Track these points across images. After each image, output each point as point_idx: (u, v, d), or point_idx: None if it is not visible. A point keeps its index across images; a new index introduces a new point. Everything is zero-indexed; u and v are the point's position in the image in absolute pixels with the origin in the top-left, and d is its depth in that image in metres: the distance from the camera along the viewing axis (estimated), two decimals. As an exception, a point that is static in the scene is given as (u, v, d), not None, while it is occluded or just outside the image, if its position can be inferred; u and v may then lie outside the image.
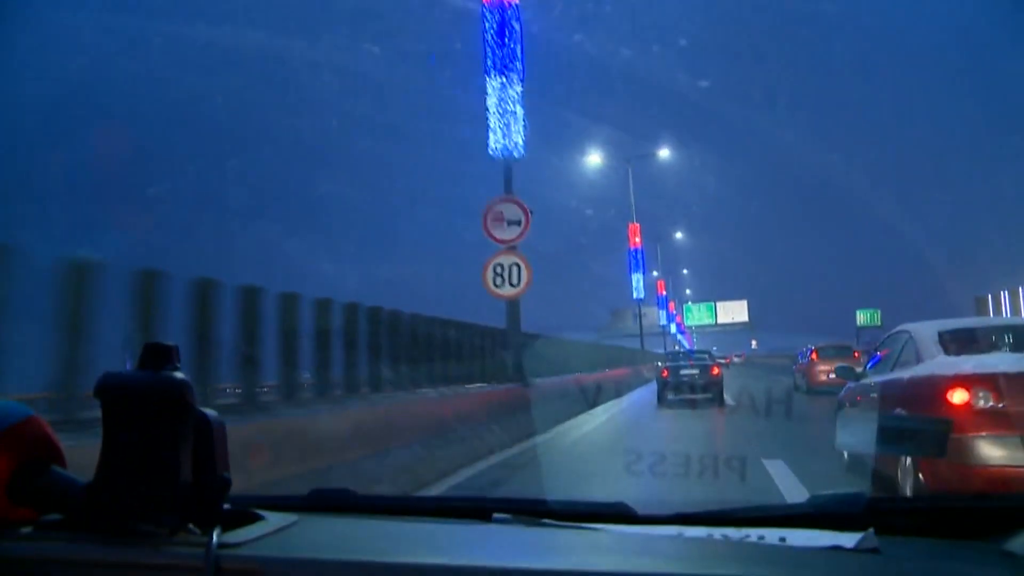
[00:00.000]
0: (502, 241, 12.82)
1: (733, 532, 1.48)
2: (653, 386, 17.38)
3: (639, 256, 46.11)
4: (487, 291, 12.76)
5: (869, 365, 6.06)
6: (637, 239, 45.90)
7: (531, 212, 13.43)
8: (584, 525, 1.57)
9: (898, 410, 4.38)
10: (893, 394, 4.69)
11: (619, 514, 1.67)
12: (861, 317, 64.97)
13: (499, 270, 12.51)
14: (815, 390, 17.74)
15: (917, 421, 1.73)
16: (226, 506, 1.34)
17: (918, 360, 4.73)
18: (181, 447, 1.21)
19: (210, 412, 1.25)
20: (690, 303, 74.08)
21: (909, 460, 3.91)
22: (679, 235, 62.73)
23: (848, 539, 1.36)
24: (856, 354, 18.95)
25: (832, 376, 17.57)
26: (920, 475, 3.65)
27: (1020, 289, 25.19)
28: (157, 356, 1.23)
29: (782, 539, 1.44)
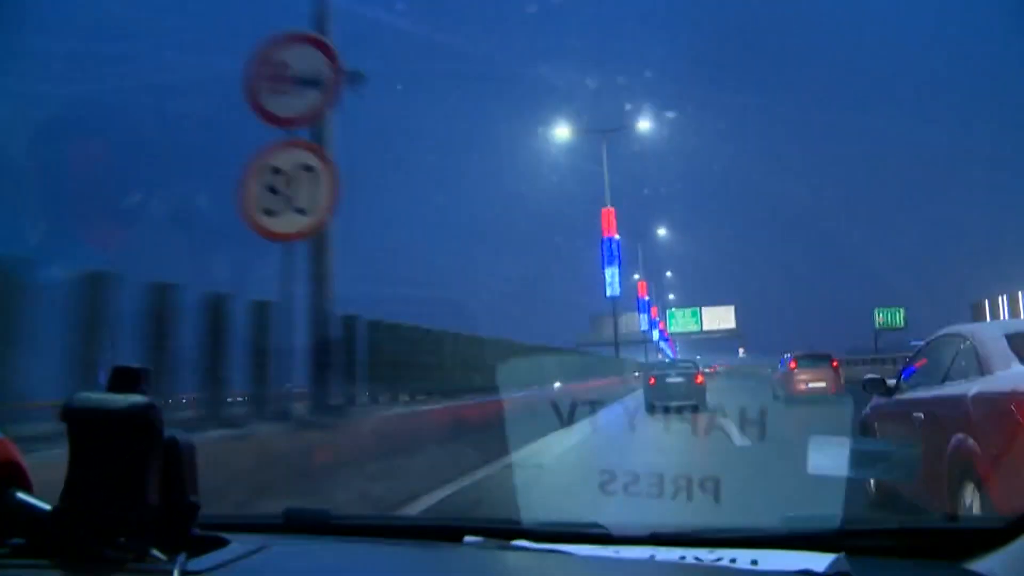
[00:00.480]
0: (284, 122, 6.95)
1: (706, 554, 1.50)
2: (627, 405, 17.09)
3: (614, 247, 37.97)
4: (251, 225, 6.83)
5: (904, 376, 5.18)
6: (612, 227, 37.76)
7: (355, 74, 7.45)
8: (557, 547, 1.58)
9: (959, 435, 3.58)
10: (950, 415, 3.87)
11: (593, 534, 1.69)
12: (880, 318, 52.63)
13: (277, 180, 6.60)
14: (794, 399, 17.79)
15: (887, 445, 1.74)
16: (195, 530, 1.33)
17: (983, 371, 3.85)
18: (148, 471, 1.20)
19: (180, 434, 1.25)
20: (673, 309, 71.88)
21: (972, 484, 3.25)
22: (662, 232, 56.35)
23: (819, 562, 1.38)
24: (835, 363, 19.23)
25: (810, 385, 18.35)
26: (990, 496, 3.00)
27: (1021, 294, 24.34)
28: (126, 379, 1.23)
29: (754, 562, 1.46)
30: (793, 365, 19.12)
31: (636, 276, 59.55)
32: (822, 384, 18.11)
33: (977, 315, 24.65)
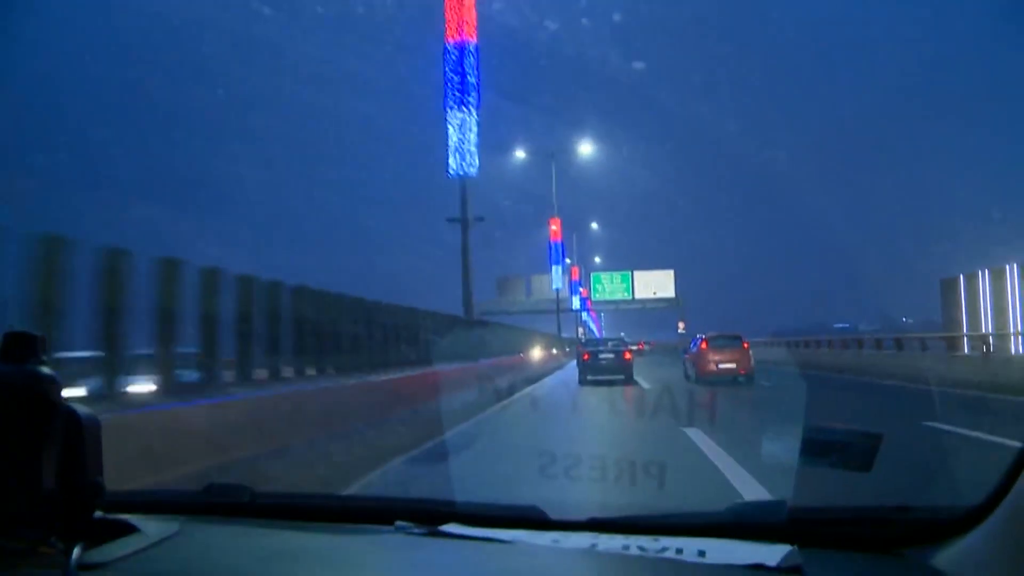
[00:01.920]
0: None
1: (650, 542, 1.48)
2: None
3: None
4: None
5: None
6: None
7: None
8: (492, 534, 1.54)
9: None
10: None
11: (531, 518, 1.65)
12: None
13: None
14: (704, 380, 18.27)
15: (845, 435, 1.78)
16: (98, 514, 1.23)
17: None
18: (45, 450, 1.12)
19: (82, 409, 1.15)
20: (600, 274, 61.40)
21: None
22: (586, 150, 44.19)
23: (770, 554, 1.38)
24: (745, 344, 19.51)
25: (721, 366, 19.00)
26: None
27: (1010, 268, 21.80)
28: (21, 347, 1.13)
29: (701, 552, 1.45)
30: (704, 345, 19.49)
31: (553, 228, 54.46)
32: (732, 365, 18.62)
33: (948, 292, 24.61)
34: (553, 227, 50.06)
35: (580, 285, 59.39)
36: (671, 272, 61.96)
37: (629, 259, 70.49)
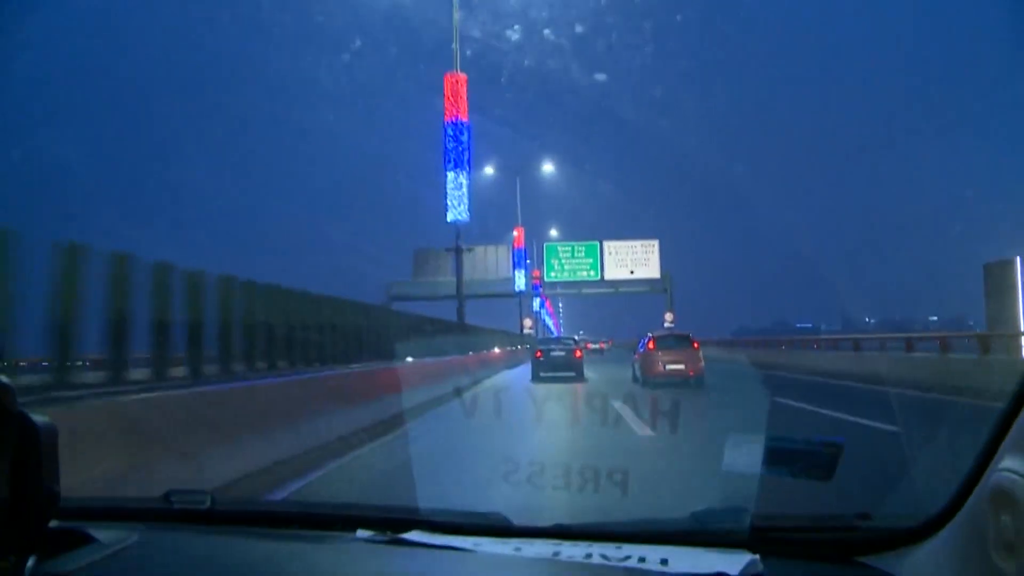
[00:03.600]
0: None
1: (613, 550, 1.53)
2: None
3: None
4: None
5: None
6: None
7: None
8: (455, 541, 1.57)
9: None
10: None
11: (494, 525, 1.69)
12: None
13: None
14: (652, 382, 17.88)
15: (807, 444, 1.85)
16: (54, 523, 1.22)
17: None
18: None
19: (38, 417, 1.14)
20: (556, 246, 48.61)
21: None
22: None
23: (732, 563, 1.44)
24: (695, 345, 18.91)
25: (669, 367, 18.51)
26: None
27: None
28: None
29: (664, 561, 1.50)
30: (652, 346, 18.94)
31: (516, 235, 49.74)
32: (681, 367, 18.19)
33: (995, 279, 20.05)
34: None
35: (525, 257, 50.39)
36: (655, 243, 48.15)
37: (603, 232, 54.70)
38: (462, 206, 30.82)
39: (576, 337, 33.42)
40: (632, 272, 47.59)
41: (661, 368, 18.27)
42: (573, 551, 1.46)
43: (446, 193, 30.21)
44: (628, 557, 1.42)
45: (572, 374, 21.51)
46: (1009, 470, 1.13)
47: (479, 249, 49.68)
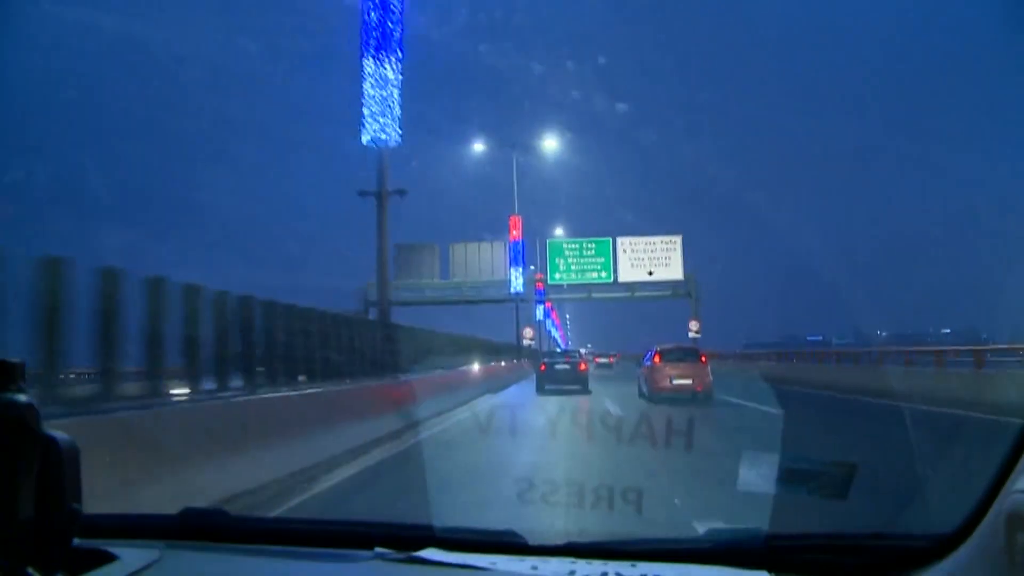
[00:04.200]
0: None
1: (628, 568, 1.56)
2: None
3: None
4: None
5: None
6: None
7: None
8: (470, 559, 1.60)
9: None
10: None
11: (509, 543, 1.72)
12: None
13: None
14: (658, 397, 17.87)
15: (822, 464, 1.88)
16: (76, 542, 1.25)
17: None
18: (21, 478, 1.16)
19: (60, 435, 1.18)
20: (562, 243, 44.61)
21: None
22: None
23: None
24: (703, 359, 19.09)
25: (675, 382, 18.28)
26: None
27: None
28: (2, 374, 1.15)
29: None
30: (658, 359, 18.91)
31: (513, 231, 45.20)
32: (688, 381, 18.05)
33: None
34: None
35: (523, 253, 44.73)
36: (676, 240, 43.77)
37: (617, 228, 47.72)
38: (387, 118, 18.52)
39: (583, 350, 34.34)
40: (651, 273, 43.00)
41: (668, 383, 18.12)
42: (589, 569, 1.50)
43: (361, 95, 18.78)
44: (643, 575, 1.43)
45: (577, 387, 22.64)
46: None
47: (471, 246, 45.36)
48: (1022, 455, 1.30)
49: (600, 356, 57.82)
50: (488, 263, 44.17)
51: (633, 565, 1.60)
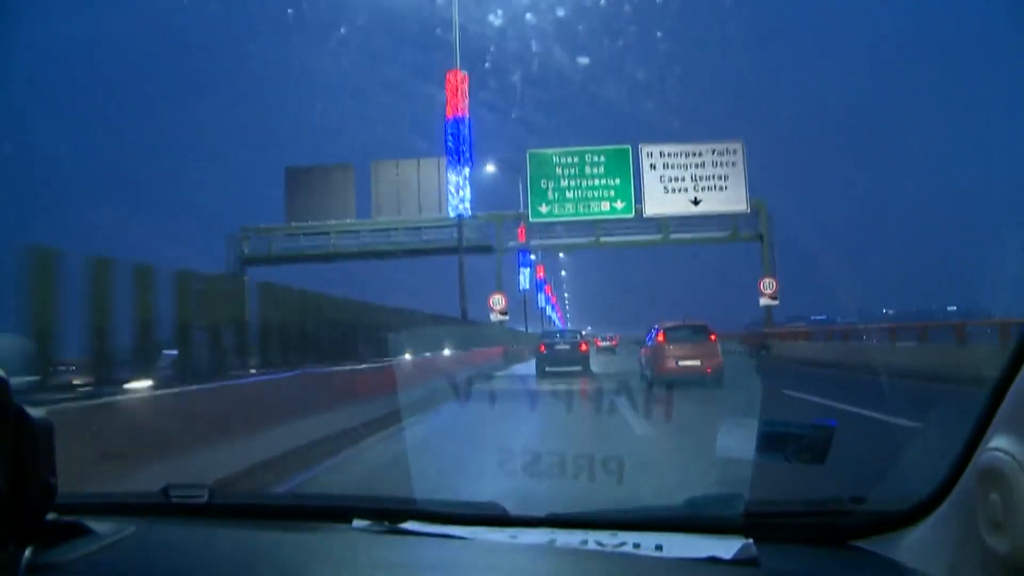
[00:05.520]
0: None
1: (608, 538, 1.60)
2: None
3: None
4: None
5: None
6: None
7: None
8: (451, 531, 1.63)
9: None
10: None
11: (490, 515, 1.76)
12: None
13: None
14: (662, 379, 17.28)
15: (799, 427, 1.91)
16: (51, 516, 1.28)
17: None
18: None
19: (34, 411, 1.21)
20: (552, 153, 33.34)
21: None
22: None
23: (726, 548, 1.53)
24: (712, 336, 17.76)
25: (682, 363, 17.19)
26: None
27: None
28: None
29: (658, 547, 1.60)
30: (661, 338, 18.14)
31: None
32: (696, 363, 17.18)
33: None
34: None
35: (461, 143, 34.94)
36: (737, 147, 31.23)
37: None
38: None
39: (583, 332, 31.56)
40: (696, 202, 30.04)
41: (673, 364, 17.37)
42: (569, 538, 1.55)
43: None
44: (623, 544, 1.52)
45: (578, 368, 24.21)
46: (998, 449, 1.37)
47: (406, 166, 33.12)
48: (995, 414, 1.33)
49: (601, 339, 56.25)
50: (433, 192, 32.53)
51: (613, 534, 1.65)
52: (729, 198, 30.52)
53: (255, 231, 30.30)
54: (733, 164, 30.73)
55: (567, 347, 24.46)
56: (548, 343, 25.36)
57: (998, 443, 1.28)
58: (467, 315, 28.75)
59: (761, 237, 30.99)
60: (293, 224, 30.13)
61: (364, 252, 32.27)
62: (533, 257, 44.06)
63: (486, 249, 32.54)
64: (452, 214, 30.35)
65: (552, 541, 1.60)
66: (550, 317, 66.85)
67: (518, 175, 30.26)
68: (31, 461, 1.18)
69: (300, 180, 31.25)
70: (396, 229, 30.59)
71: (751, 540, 1.52)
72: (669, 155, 30.56)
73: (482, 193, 34.64)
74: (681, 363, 16.71)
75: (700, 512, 1.70)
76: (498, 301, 32.68)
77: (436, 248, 31.87)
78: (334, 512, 1.81)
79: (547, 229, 32.26)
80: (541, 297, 53.49)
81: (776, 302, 29.62)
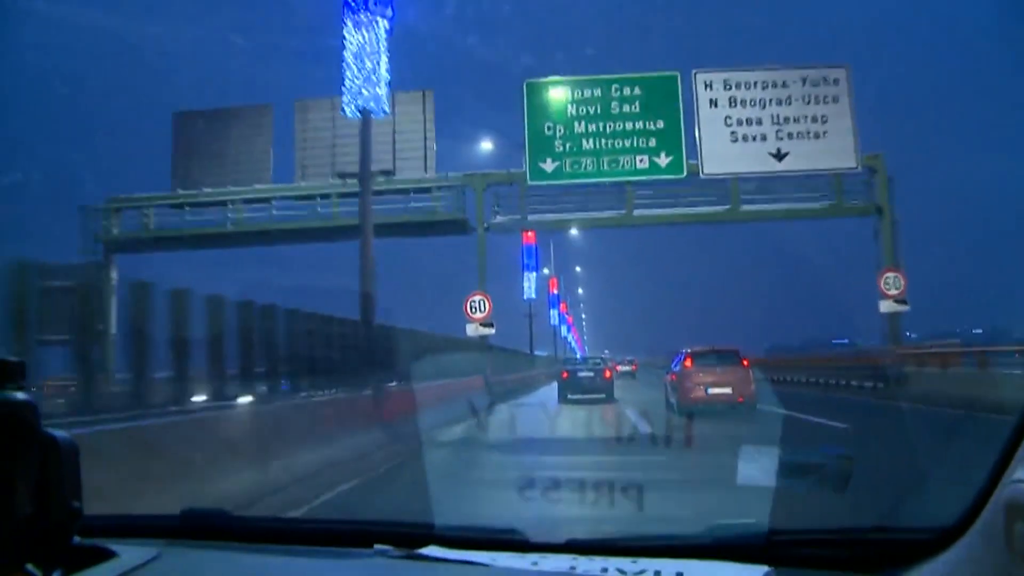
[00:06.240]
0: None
1: (628, 564, 1.59)
2: None
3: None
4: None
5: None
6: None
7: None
8: (471, 555, 1.63)
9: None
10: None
11: (510, 540, 1.75)
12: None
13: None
14: (688, 409, 15.58)
15: (819, 456, 1.90)
16: (76, 539, 1.30)
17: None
18: (20, 475, 1.24)
19: (60, 434, 1.26)
20: (563, 83, 21.23)
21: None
22: None
23: (747, 574, 1.46)
24: (745, 362, 16.67)
25: (711, 391, 16.04)
26: None
27: None
28: (1, 373, 1.19)
29: (680, 574, 1.54)
30: (689, 363, 16.64)
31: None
32: (727, 390, 15.61)
33: None
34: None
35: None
36: (840, 74, 21.84)
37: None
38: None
39: (604, 355, 39.23)
40: (780, 155, 21.17)
41: (702, 392, 15.95)
42: (589, 566, 1.56)
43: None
44: (643, 571, 1.53)
45: (602, 396, 24.40)
46: (1022, 481, 1.15)
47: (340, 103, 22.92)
48: (1020, 445, 1.31)
49: (621, 363, 55.07)
50: (416, 147, 23.79)
51: (634, 561, 1.65)
52: (829, 150, 20.56)
53: (127, 202, 21.91)
54: (836, 99, 21.06)
55: (591, 374, 25.32)
56: (571, 369, 26.78)
57: (1022, 475, 1.23)
58: (372, 316, 16.81)
59: (879, 209, 21.93)
60: (181, 192, 21.45)
61: (280, 230, 22.92)
62: (546, 271, 44.08)
63: (459, 225, 23.21)
64: (351, 99, 14.44)
65: (573, 568, 1.57)
66: (565, 339, 65.59)
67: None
68: (57, 484, 1.16)
69: (194, 130, 22.24)
70: (328, 196, 21.09)
71: (773, 569, 1.48)
72: (738, 87, 20.67)
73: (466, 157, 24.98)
74: (711, 391, 15.32)
75: (721, 539, 1.65)
76: (479, 305, 21.95)
77: (386, 223, 20.70)
78: (354, 536, 1.79)
79: (547, 195, 23.47)
80: (554, 314, 47.96)
81: (905, 307, 20.63)
